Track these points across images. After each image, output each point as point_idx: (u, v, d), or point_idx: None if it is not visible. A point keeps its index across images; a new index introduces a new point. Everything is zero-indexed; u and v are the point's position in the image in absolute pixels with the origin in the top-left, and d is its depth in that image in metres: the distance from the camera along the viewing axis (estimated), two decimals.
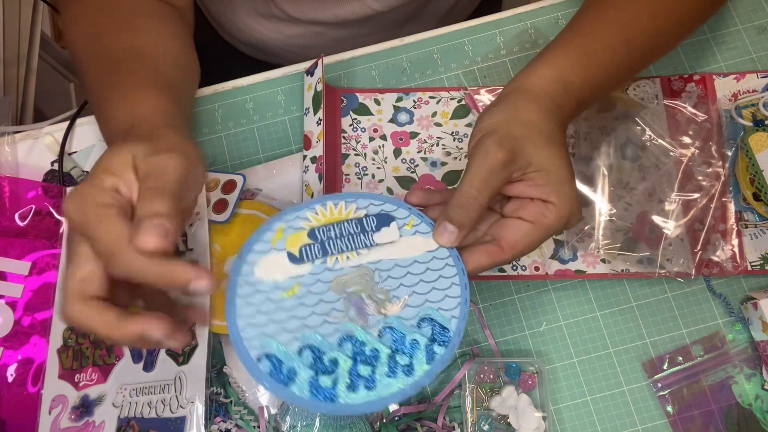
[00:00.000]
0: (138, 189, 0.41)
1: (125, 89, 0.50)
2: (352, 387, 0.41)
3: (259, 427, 0.54)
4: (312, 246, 0.45)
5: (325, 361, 0.42)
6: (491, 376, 0.55)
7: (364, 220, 0.46)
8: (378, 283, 0.44)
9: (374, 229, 0.45)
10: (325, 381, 0.41)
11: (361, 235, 0.45)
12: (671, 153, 0.59)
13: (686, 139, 0.60)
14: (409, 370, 0.41)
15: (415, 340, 0.42)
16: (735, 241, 0.58)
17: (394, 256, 0.45)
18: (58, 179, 0.63)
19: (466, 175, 0.44)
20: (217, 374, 0.56)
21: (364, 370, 0.41)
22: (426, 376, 0.41)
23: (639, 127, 0.59)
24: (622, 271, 0.58)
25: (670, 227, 0.57)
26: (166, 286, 0.39)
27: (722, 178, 0.59)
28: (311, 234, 0.45)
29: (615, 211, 0.57)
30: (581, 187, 0.58)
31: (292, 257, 0.44)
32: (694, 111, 0.60)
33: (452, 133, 0.63)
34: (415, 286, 0.44)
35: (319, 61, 0.62)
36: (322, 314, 0.43)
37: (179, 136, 0.45)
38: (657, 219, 0.57)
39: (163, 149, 0.42)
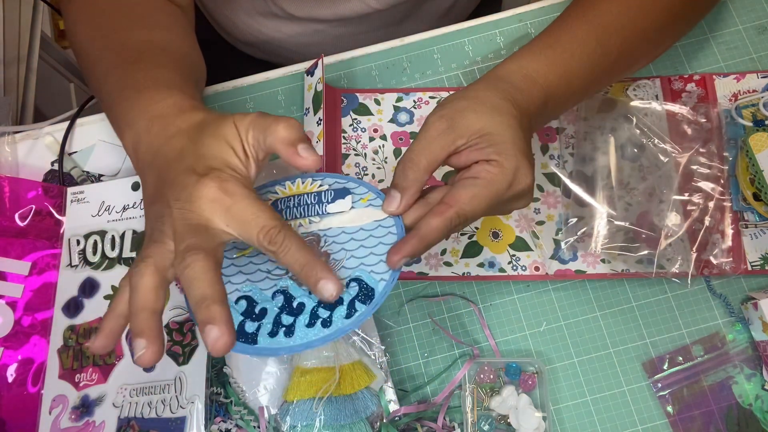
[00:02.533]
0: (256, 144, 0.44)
1: (158, 76, 0.51)
2: (272, 333, 0.43)
3: (259, 427, 0.54)
4: None
5: (255, 310, 0.44)
6: (491, 376, 0.55)
7: (323, 193, 0.48)
8: (321, 248, 0.46)
9: (329, 200, 0.48)
10: (249, 326, 0.43)
11: (316, 206, 0.48)
12: (671, 153, 0.59)
13: (686, 139, 0.60)
14: (327, 322, 0.43)
15: (340, 297, 0.43)
16: (735, 241, 0.58)
17: (342, 224, 0.47)
18: (58, 179, 0.63)
19: (410, 144, 0.46)
20: (217, 374, 0.56)
21: (286, 319, 0.43)
22: (342, 329, 0.42)
23: (639, 128, 0.59)
24: (622, 271, 0.58)
25: (670, 227, 0.57)
26: (305, 272, 0.41)
27: (722, 178, 0.59)
28: (273, 204, 0.48)
29: (615, 211, 0.57)
30: (581, 187, 0.58)
31: None
32: (694, 106, 0.60)
33: None
34: (355, 250, 0.45)
35: (319, 61, 0.62)
36: (266, 272, 0.46)
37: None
38: (657, 219, 0.57)
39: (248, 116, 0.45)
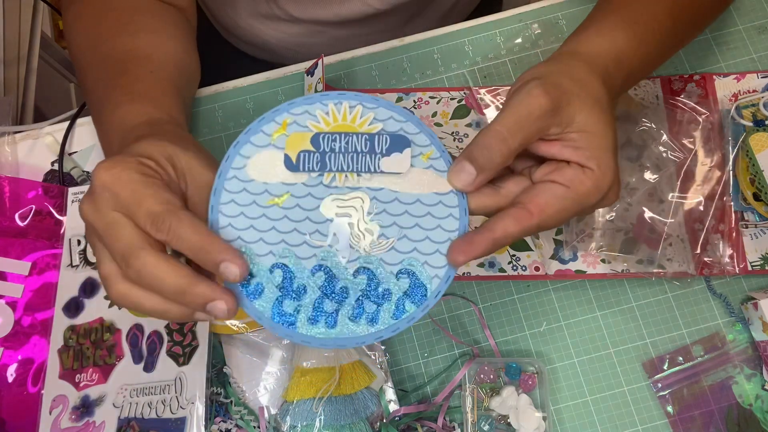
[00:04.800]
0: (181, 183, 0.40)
1: (133, 92, 0.50)
2: (312, 320, 0.39)
3: (259, 427, 0.54)
4: (312, 155, 0.40)
5: (294, 286, 0.39)
6: (491, 377, 0.55)
7: (377, 138, 0.40)
8: (371, 215, 0.40)
9: (384, 152, 0.40)
10: (288, 306, 0.39)
11: (368, 156, 0.40)
12: (671, 153, 0.59)
13: (686, 139, 0.60)
14: (373, 320, 0.39)
15: (388, 290, 0.39)
16: (735, 241, 0.58)
17: (397, 188, 0.40)
18: (58, 179, 0.63)
19: (500, 114, 0.40)
20: (217, 374, 0.56)
21: (329, 306, 0.39)
22: (388, 330, 0.39)
23: (639, 127, 0.59)
24: (622, 271, 0.58)
25: (670, 227, 0.57)
26: (198, 257, 0.37)
27: (722, 178, 0.59)
28: (314, 140, 0.40)
29: (615, 211, 0.57)
30: None
31: (288, 162, 0.40)
32: (694, 106, 0.60)
33: (452, 133, 0.63)
34: (410, 230, 0.40)
35: (320, 61, 0.62)
36: (304, 234, 0.40)
37: (196, 143, 0.45)
38: (657, 219, 0.57)
39: (194, 152, 0.41)
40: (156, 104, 0.49)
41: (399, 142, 0.40)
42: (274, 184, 0.40)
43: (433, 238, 0.40)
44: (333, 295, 0.39)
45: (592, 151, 0.40)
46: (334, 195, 0.40)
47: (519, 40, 0.67)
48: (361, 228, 0.40)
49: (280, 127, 0.41)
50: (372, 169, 0.40)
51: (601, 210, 0.58)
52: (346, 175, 0.40)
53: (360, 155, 0.40)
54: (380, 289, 0.39)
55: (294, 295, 0.39)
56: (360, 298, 0.39)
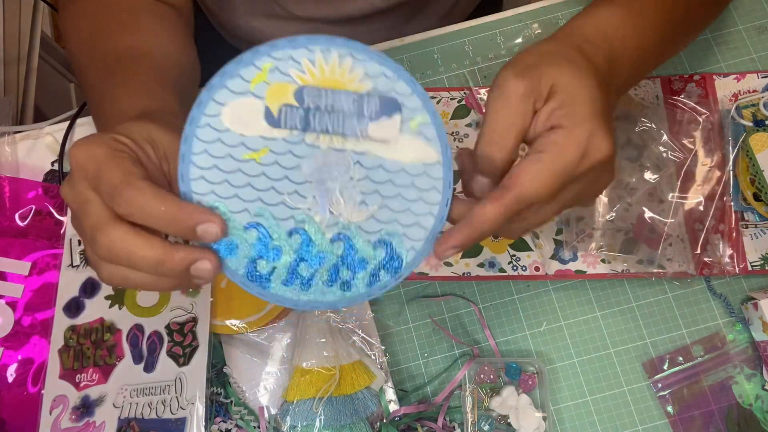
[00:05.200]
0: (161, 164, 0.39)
1: (131, 86, 0.50)
2: (286, 282, 0.38)
3: (259, 427, 0.54)
4: (295, 111, 0.37)
5: (269, 246, 0.38)
6: (491, 377, 0.55)
7: (366, 99, 0.37)
8: (353, 180, 0.38)
9: (373, 116, 0.37)
10: (263, 266, 0.38)
11: (355, 119, 0.37)
12: (671, 153, 0.59)
13: (686, 140, 0.60)
14: (347, 286, 0.38)
15: (364, 259, 0.38)
16: (735, 241, 0.58)
17: (383, 154, 0.38)
18: (58, 179, 0.63)
19: (485, 117, 0.39)
20: (217, 374, 0.56)
21: (304, 270, 0.38)
22: (361, 296, 0.39)
23: (639, 127, 0.59)
24: (622, 271, 0.58)
25: (670, 227, 0.57)
26: (170, 228, 0.35)
27: (722, 178, 0.59)
28: (298, 95, 0.37)
29: (615, 211, 0.57)
30: None
31: (268, 115, 0.37)
32: (694, 106, 0.60)
33: (452, 133, 0.63)
34: (391, 199, 0.38)
35: None
36: (282, 193, 0.38)
37: None
38: (657, 219, 0.57)
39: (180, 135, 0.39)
40: (154, 97, 0.49)
41: (389, 106, 0.38)
42: (252, 138, 0.37)
43: (414, 210, 0.38)
44: (309, 259, 0.38)
45: (564, 109, 0.38)
46: (317, 156, 0.38)
47: (519, 40, 0.67)
48: (343, 193, 0.38)
49: (260, 73, 0.37)
50: (359, 134, 0.37)
51: (600, 210, 0.58)
52: (330, 137, 0.37)
53: (347, 118, 0.37)
54: (356, 258, 0.39)
55: (269, 256, 0.38)
56: (336, 264, 0.38)
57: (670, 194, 0.58)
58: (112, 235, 0.34)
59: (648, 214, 0.57)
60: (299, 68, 0.37)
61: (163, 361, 0.54)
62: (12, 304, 0.58)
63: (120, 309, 0.56)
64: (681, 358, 0.56)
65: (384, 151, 0.38)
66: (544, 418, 0.54)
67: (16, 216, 0.60)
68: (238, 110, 0.37)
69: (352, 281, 0.38)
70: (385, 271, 0.39)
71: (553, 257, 0.59)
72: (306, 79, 0.37)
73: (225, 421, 0.54)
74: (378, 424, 0.54)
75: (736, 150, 0.59)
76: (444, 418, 0.55)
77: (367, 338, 0.56)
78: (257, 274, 0.38)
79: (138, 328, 0.55)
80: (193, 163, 0.37)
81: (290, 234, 0.38)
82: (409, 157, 0.38)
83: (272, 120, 0.37)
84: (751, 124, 0.59)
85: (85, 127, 0.66)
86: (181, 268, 0.35)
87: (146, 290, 0.38)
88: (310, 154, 0.38)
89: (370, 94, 0.38)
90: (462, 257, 0.59)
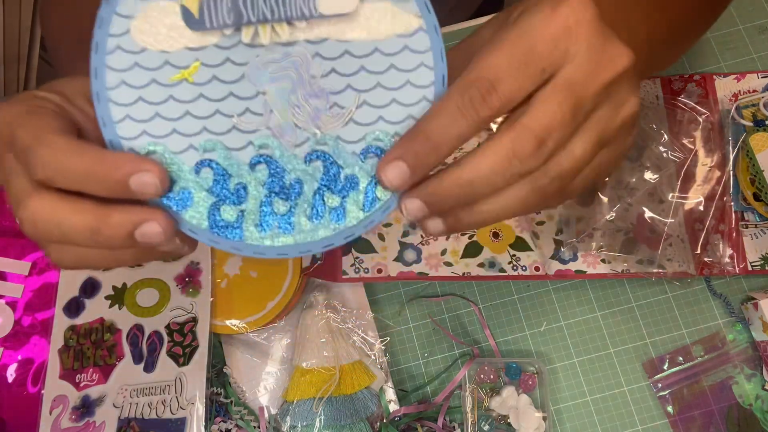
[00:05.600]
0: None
1: None
2: (262, 226, 0.31)
3: (259, 427, 0.54)
4: (219, 3, 0.29)
5: (230, 187, 0.30)
6: (491, 377, 0.55)
7: None
8: (315, 79, 0.30)
9: None
10: (228, 212, 0.31)
11: None
12: (671, 153, 0.59)
13: (686, 140, 0.60)
14: (339, 214, 0.31)
15: (353, 175, 0.31)
16: (735, 242, 0.58)
17: (346, 35, 0.30)
18: None
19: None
20: (217, 374, 0.56)
21: (280, 206, 0.31)
22: (360, 226, 0.31)
23: (640, 128, 0.59)
24: (622, 271, 0.58)
25: (670, 227, 0.57)
26: (98, 187, 0.29)
27: (722, 178, 0.59)
28: None
29: (615, 212, 0.57)
30: None
31: (188, 17, 0.29)
32: (694, 106, 0.60)
33: None
34: (369, 92, 0.30)
35: None
36: (230, 116, 0.30)
37: None
38: (657, 219, 0.57)
39: None
40: None
41: None
42: (177, 52, 0.29)
43: (401, 100, 0.30)
44: (283, 191, 0.31)
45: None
46: (262, 57, 0.30)
47: None
48: (306, 99, 0.30)
49: None
50: (307, 14, 0.29)
51: (602, 210, 0.58)
52: (272, 27, 0.29)
53: None
54: (342, 176, 0.31)
55: (233, 199, 0.31)
56: (318, 190, 0.31)
57: (670, 194, 0.58)
58: (32, 205, 0.29)
59: (648, 214, 0.57)
60: None
61: (163, 361, 0.54)
62: (12, 304, 0.58)
63: (120, 309, 0.56)
64: (681, 358, 0.56)
65: (345, 31, 0.29)
66: (544, 418, 0.54)
67: None
68: (150, 21, 0.29)
69: (344, 207, 0.31)
70: (382, 186, 0.30)
71: (553, 257, 0.59)
72: None
73: (225, 421, 0.54)
74: (378, 424, 0.54)
75: (736, 150, 0.59)
76: (444, 418, 0.55)
77: (367, 338, 0.56)
78: (223, 223, 0.30)
79: (138, 328, 0.55)
80: (111, 101, 0.29)
81: (252, 165, 0.31)
82: (380, 30, 0.29)
83: (194, 22, 0.29)
84: (751, 124, 0.59)
85: None
86: (123, 233, 0.28)
87: (108, 267, 0.31)
88: (253, 56, 0.30)
89: None
90: (462, 257, 0.59)
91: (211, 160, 0.30)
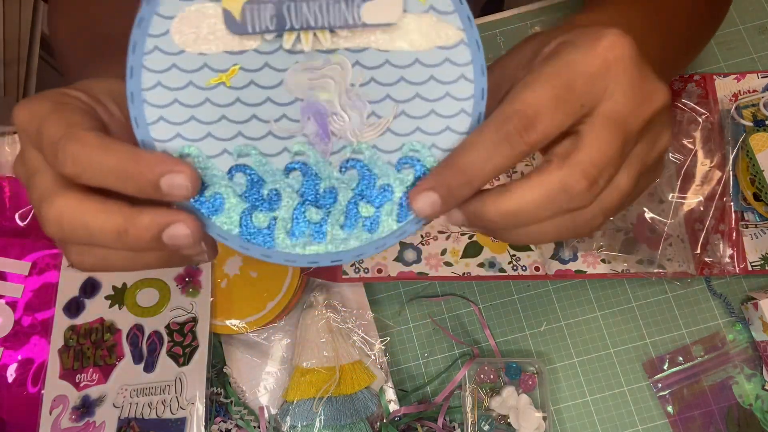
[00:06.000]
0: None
1: (117, 61, 0.46)
2: (294, 234, 0.30)
3: (259, 427, 0.54)
4: (262, 6, 0.29)
5: (263, 192, 0.30)
6: (491, 377, 0.55)
7: None
8: (355, 87, 0.30)
9: None
10: (260, 219, 0.30)
11: (343, 3, 0.29)
12: (672, 154, 0.59)
13: (686, 140, 0.60)
14: (372, 225, 0.30)
15: (388, 185, 0.31)
16: (735, 242, 0.58)
17: (387, 45, 0.30)
18: None
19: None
20: (217, 374, 0.56)
21: (313, 214, 0.30)
22: (393, 236, 0.30)
23: None
24: (622, 271, 0.58)
25: (670, 227, 0.57)
26: (129, 186, 0.28)
27: (722, 178, 0.59)
28: None
29: None
30: None
31: (230, 21, 0.29)
32: (694, 106, 0.60)
33: None
34: (408, 102, 0.30)
35: None
36: (267, 121, 0.30)
37: None
38: (657, 219, 0.57)
39: None
40: None
41: None
42: (216, 55, 0.29)
43: (440, 111, 0.30)
44: (316, 199, 0.30)
45: (577, 31, 0.31)
46: (302, 63, 0.30)
47: (519, 41, 0.66)
48: (344, 107, 0.30)
49: None
50: (350, 22, 0.29)
51: None
52: (314, 34, 0.29)
53: (331, 3, 0.29)
54: (377, 186, 0.31)
55: (266, 205, 0.30)
56: (352, 199, 0.31)
57: (670, 194, 0.58)
58: (58, 203, 0.28)
59: (648, 214, 0.57)
60: None
61: (163, 361, 0.54)
62: (12, 304, 0.58)
63: (120, 309, 0.56)
64: (681, 358, 0.56)
65: (387, 41, 0.30)
66: (544, 418, 0.54)
67: (16, 216, 0.60)
68: (192, 22, 0.29)
69: (378, 219, 0.30)
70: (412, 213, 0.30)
71: (553, 257, 0.59)
72: None
73: (225, 421, 0.54)
74: (378, 424, 0.54)
75: (736, 150, 0.59)
76: (444, 418, 0.55)
77: (367, 338, 0.56)
78: (254, 230, 0.30)
79: (138, 328, 0.55)
80: (146, 102, 0.29)
81: (287, 171, 0.30)
82: (421, 42, 0.30)
83: (236, 26, 0.29)
84: (751, 124, 0.59)
85: None
86: (150, 236, 0.28)
87: (129, 270, 0.31)
88: (292, 62, 0.30)
89: None
90: (462, 257, 0.59)
91: (245, 166, 0.30)
